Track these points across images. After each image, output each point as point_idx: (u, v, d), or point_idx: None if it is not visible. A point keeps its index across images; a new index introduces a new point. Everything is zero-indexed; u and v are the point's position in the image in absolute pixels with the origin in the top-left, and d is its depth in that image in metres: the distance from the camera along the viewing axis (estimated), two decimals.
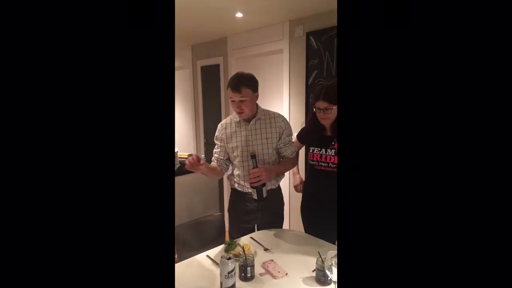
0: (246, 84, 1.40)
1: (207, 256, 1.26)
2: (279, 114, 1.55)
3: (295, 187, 1.76)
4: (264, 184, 1.39)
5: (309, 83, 2.23)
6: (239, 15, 2.14)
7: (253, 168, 1.37)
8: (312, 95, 2.20)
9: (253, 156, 1.38)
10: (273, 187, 1.54)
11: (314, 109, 1.48)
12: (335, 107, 1.40)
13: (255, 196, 1.41)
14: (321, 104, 1.41)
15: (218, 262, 1.10)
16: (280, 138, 1.52)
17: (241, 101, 1.41)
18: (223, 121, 1.58)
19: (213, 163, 1.55)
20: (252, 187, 1.39)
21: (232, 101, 1.43)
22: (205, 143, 3.38)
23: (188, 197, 2.29)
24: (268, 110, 1.55)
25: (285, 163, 1.56)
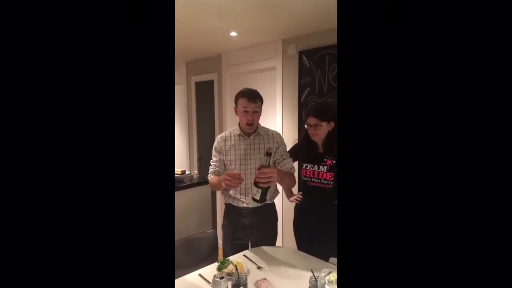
0: (260, 98, 1.50)
1: (199, 275, 1.25)
2: (276, 132, 1.61)
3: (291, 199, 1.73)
4: (269, 187, 1.32)
5: (302, 100, 2.27)
6: (233, 34, 2.19)
7: (265, 167, 1.26)
8: (304, 112, 2.24)
9: (269, 154, 1.26)
10: (269, 202, 1.55)
11: (306, 126, 1.51)
12: (324, 124, 1.44)
13: (257, 197, 1.30)
14: (311, 120, 1.46)
15: (211, 281, 1.09)
16: (275, 153, 1.55)
17: (255, 111, 1.47)
18: (223, 134, 1.60)
19: (213, 176, 1.56)
20: (258, 186, 1.28)
21: (245, 111, 1.46)
22: (198, 158, 3.38)
23: (180, 214, 2.27)
24: (267, 128, 1.60)
25: (289, 175, 1.53)
